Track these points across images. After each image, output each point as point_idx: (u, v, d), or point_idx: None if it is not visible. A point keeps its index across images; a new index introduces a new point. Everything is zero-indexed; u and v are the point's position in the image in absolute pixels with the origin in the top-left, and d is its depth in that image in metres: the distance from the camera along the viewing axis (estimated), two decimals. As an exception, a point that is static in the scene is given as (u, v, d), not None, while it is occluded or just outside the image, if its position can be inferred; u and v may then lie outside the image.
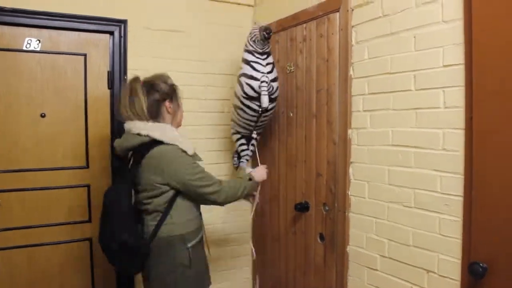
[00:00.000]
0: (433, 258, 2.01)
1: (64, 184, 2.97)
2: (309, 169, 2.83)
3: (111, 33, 3.02)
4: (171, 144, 2.25)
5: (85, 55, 2.98)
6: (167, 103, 2.36)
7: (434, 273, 2.00)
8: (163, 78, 2.41)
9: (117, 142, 2.38)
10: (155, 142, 2.24)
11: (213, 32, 3.39)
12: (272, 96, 2.78)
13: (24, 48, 2.80)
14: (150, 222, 2.31)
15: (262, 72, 2.72)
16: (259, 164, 2.98)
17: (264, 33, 2.64)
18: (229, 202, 2.47)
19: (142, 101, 2.28)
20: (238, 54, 3.44)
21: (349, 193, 2.53)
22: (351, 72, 2.49)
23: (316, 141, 2.75)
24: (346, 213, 2.53)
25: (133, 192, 2.33)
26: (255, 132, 2.99)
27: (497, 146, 1.70)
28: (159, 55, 3.18)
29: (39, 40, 2.83)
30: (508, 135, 1.66)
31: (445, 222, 1.94)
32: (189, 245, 2.32)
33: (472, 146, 1.79)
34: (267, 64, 2.76)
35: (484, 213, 1.76)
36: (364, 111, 2.40)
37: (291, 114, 2.98)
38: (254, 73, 2.71)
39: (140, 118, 2.29)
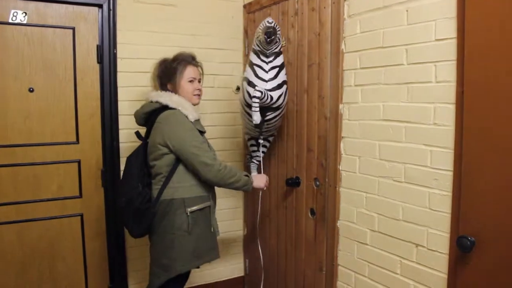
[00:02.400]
0: (422, 232, 2.03)
1: (54, 159, 2.95)
2: (300, 144, 2.83)
3: (100, 6, 2.96)
4: (174, 108, 2.41)
5: (73, 28, 2.92)
6: (169, 85, 2.56)
7: (423, 246, 2.03)
8: (175, 57, 2.58)
9: (136, 111, 2.60)
10: (164, 108, 2.44)
11: (205, 6, 3.33)
12: (274, 106, 2.63)
13: (10, 21, 2.73)
14: (155, 186, 2.47)
15: (262, 79, 2.57)
16: (262, 171, 3.01)
17: (265, 36, 2.44)
18: (216, 183, 2.49)
19: (158, 83, 2.60)
20: (230, 28, 3.41)
21: (340, 168, 2.53)
22: (343, 46, 2.46)
23: (307, 116, 2.74)
24: (337, 188, 2.54)
25: (143, 157, 2.52)
26: (261, 137, 2.90)
27: (488, 120, 1.70)
28: (150, 29, 3.13)
29: (25, 13, 2.76)
30: (499, 110, 1.66)
31: (435, 196, 1.95)
32: (189, 210, 2.41)
33: (463, 121, 1.79)
34: (272, 68, 2.58)
35: (473, 188, 1.76)
36: (356, 85, 2.39)
37: (283, 89, 2.95)
38: (254, 80, 2.57)
39: (156, 89, 2.60)
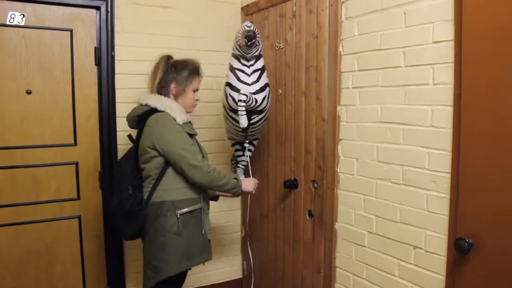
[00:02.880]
0: (420, 234, 2.03)
1: (52, 161, 2.95)
2: (298, 146, 2.83)
3: (98, 8, 2.96)
4: (162, 111, 2.39)
5: (71, 30, 2.92)
6: (172, 85, 2.48)
7: (421, 249, 2.03)
8: (186, 64, 2.53)
9: (128, 114, 2.55)
10: (153, 111, 2.40)
11: (204, 8, 3.34)
12: (258, 109, 2.67)
13: (8, 23, 2.73)
14: (145, 188, 2.45)
15: (246, 83, 2.60)
16: (250, 175, 2.98)
17: (246, 39, 2.49)
18: (204, 186, 2.45)
19: (158, 77, 2.48)
20: (229, 30, 3.41)
21: (338, 170, 2.53)
22: (340, 49, 2.47)
23: (305, 118, 2.74)
24: (335, 190, 2.54)
25: (134, 160, 2.49)
26: (247, 141, 2.90)
27: (486, 123, 1.70)
28: (148, 31, 3.14)
29: (23, 15, 2.76)
30: (496, 112, 1.66)
31: (433, 198, 1.96)
32: (179, 212, 2.39)
33: (460, 123, 1.79)
34: (254, 71, 2.64)
35: (471, 190, 1.77)
36: (353, 87, 2.39)
37: (280, 92, 2.96)
38: (238, 84, 2.61)
39: (151, 91, 2.50)
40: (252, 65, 2.63)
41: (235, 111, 2.62)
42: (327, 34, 2.52)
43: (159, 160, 2.39)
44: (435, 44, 1.91)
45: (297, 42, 2.78)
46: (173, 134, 2.37)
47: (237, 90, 2.59)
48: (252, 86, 2.61)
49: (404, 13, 2.06)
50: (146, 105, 2.43)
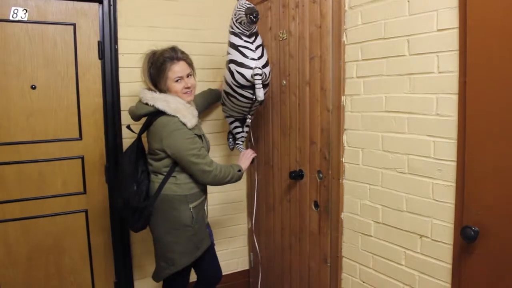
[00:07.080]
0: (426, 223, 2.03)
1: (58, 156, 2.96)
2: (303, 137, 2.82)
3: (100, 1, 2.96)
4: (172, 116, 2.38)
5: (74, 24, 2.92)
6: (159, 86, 2.49)
7: (427, 237, 2.02)
8: (156, 57, 2.48)
9: (131, 109, 2.59)
10: (160, 112, 2.41)
11: (206, 0, 3.33)
12: (265, 83, 2.69)
13: (11, 18, 2.74)
14: (154, 181, 2.52)
15: (253, 59, 2.60)
16: (253, 143, 3.05)
17: (251, 16, 2.45)
18: (213, 185, 2.60)
19: (146, 76, 2.50)
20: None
21: (343, 160, 2.53)
22: (344, 38, 2.45)
23: (310, 108, 2.73)
24: (341, 180, 2.54)
25: (136, 155, 2.53)
26: (249, 116, 2.95)
27: (491, 110, 1.69)
28: (151, 24, 3.13)
29: (25, 10, 2.76)
30: (502, 99, 1.65)
31: (438, 187, 1.95)
32: (192, 205, 2.48)
33: (466, 111, 1.78)
34: (257, 47, 2.64)
35: (477, 178, 1.76)
36: (358, 77, 2.38)
37: (285, 83, 2.95)
38: (245, 61, 2.60)
39: (149, 88, 2.50)
40: (254, 41, 2.65)
41: (243, 87, 2.66)
42: (330, 24, 2.51)
43: (168, 160, 2.45)
44: (439, 32, 1.90)
45: (301, 33, 2.77)
46: (183, 140, 2.39)
47: (246, 66, 2.59)
48: (259, 61, 2.63)
49: (408, 1, 2.04)
50: (153, 106, 2.41)
